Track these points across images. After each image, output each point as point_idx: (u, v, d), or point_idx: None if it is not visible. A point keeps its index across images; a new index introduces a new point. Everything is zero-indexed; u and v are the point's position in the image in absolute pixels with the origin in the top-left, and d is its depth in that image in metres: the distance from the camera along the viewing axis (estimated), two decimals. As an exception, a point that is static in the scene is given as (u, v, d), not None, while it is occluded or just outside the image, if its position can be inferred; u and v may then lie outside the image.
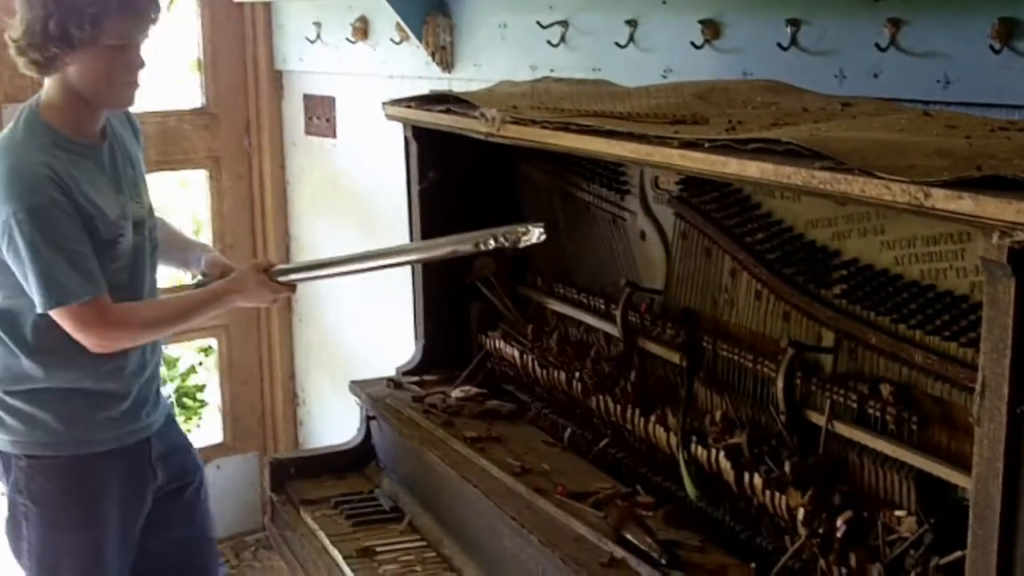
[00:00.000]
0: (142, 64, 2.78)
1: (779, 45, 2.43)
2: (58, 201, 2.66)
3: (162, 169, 5.37)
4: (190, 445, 3.22)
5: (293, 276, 2.92)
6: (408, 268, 3.03)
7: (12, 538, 2.95)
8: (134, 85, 2.79)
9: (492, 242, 2.46)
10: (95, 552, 2.91)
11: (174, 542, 3.09)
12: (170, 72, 5.58)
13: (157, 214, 3.06)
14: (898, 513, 1.73)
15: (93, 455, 2.86)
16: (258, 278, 2.86)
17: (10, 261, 2.69)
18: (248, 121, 4.85)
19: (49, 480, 2.86)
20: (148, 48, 2.80)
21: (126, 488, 2.93)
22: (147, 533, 3.01)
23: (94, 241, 2.72)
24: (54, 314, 2.70)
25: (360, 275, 2.98)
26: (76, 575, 2.92)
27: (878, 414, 1.80)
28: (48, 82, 2.78)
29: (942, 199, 1.35)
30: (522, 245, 2.46)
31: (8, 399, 2.85)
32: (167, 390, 6.19)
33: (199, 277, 3.09)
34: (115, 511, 2.91)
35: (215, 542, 3.25)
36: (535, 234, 2.43)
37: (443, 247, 2.61)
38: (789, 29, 2.42)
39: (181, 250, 3.15)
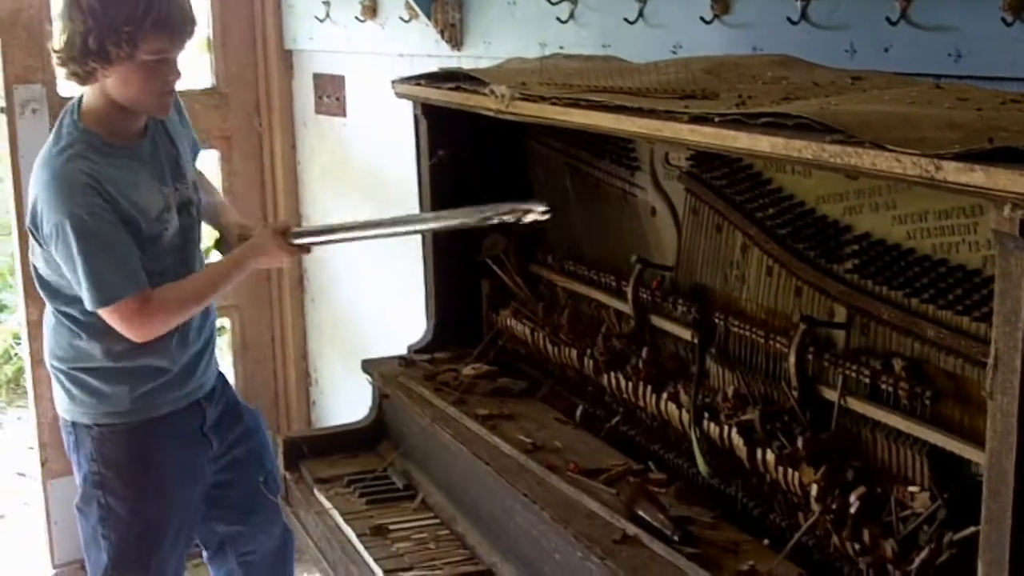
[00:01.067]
0: (178, 76, 2.91)
1: (789, 20, 2.42)
2: (99, 207, 2.80)
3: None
4: (244, 410, 3.40)
5: (308, 239, 3.03)
6: (419, 247, 3.03)
7: (86, 512, 3.14)
8: (170, 95, 2.93)
9: (496, 218, 2.53)
10: (161, 515, 3.13)
11: (236, 497, 3.32)
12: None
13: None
14: (912, 489, 1.72)
15: (153, 420, 3.08)
16: (276, 241, 2.97)
17: (61, 263, 2.86)
18: (258, 101, 4.85)
19: (119, 446, 3.07)
20: (183, 59, 2.92)
21: (184, 454, 3.16)
22: (211, 494, 3.27)
23: (138, 238, 2.88)
24: (101, 312, 2.88)
25: (369, 241, 3.12)
26: (147, 535, 3.13)
27: (891, 389, 1.79)
28: (87, 88, 2.90)
29: (953, 172, 1.34)
30: (525, 222, 2.50)
31: (76, 374, 3.04)
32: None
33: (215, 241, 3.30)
34: (176, 475, 3.14)
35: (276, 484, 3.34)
36: (537, 211, 2.48)
37: (451, 219, 2.69)
38: (799, 3, 2.40)
39: (211, 212, 3.32)
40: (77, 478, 3.15)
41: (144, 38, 2.76)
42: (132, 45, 2.75)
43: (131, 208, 2.86)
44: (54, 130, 2.94)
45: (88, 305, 2.86)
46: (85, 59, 2.78)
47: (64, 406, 3.11)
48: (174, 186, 3.02)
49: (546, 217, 2.48)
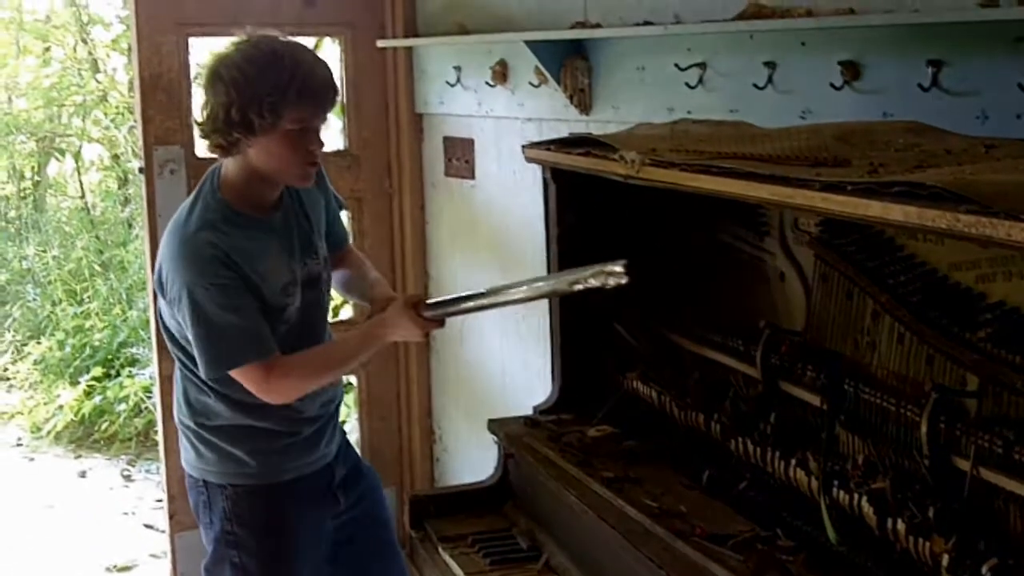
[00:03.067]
0: (321, 145, 2.89)
1: (920, 86, 2.41)
2: (225, 276, 2.81)
3: (305, 210, 5.50)
4: (364, 467, 3.36)
5: (441, 311, 2.98)
6: (545, 307, 3.06)
7: (216, 574, 3.10)
8: (314, 166, 2.90)
9: (583, 284, 2.49)
10: (292, 573, 3.08)
11: (357, 555, 3.25)
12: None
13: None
14: (1046, 561, 1.70)
15: (282, 483, 3.05)
16: (409, 314, 2.93)
17: (184, 327, 2.86)
18: (389, 163, 4.93)
19: (254, 506, 3.04)
20: (327, 129, 2.91)
21: (313, 514, 3.12)
22: (335, 551, 3.20)
23: (263, 308, 2.87)
24: (230, 373, 2.87)
25: (500, 309, 3.00)
26: None
27: (1024, 460, 1.77)
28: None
29: (1091, 243, 1.34)
30: (611, 285, 2.43)
31: (204, 433, 3.04)
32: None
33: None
34: (307, 533, 3.10)
35: (396, 549, 3.35)
36: (617, 272, 2.41)
37: (543, 287, 2.74)
38: (930, 70, 2.39)
39: (362, 287, 3.28)
40: (206, 538, 3.13)
41: (287, 107, 2.76)
42: (276, 115, 2.76)
43: (257, 279, 2.86)
44: (192, 196, 2.96)
45: (203, 373, 2.88)
46: (229, 130, 2.79)
47: (193, 464, 3.11)
48: (303, 261, 3.01)
49: (625, 280, 2.39)
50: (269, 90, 2.74)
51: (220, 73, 2.81)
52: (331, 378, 3.08)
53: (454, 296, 3.03)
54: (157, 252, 2.99)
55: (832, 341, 2.27)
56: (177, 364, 3.06)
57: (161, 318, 3.03)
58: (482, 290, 2.89)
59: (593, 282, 2.47)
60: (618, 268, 2.42)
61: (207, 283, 2.79)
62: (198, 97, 2.97)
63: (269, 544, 3.06)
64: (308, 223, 3.05)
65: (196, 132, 2.91)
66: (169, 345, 3.04)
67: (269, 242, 2.93)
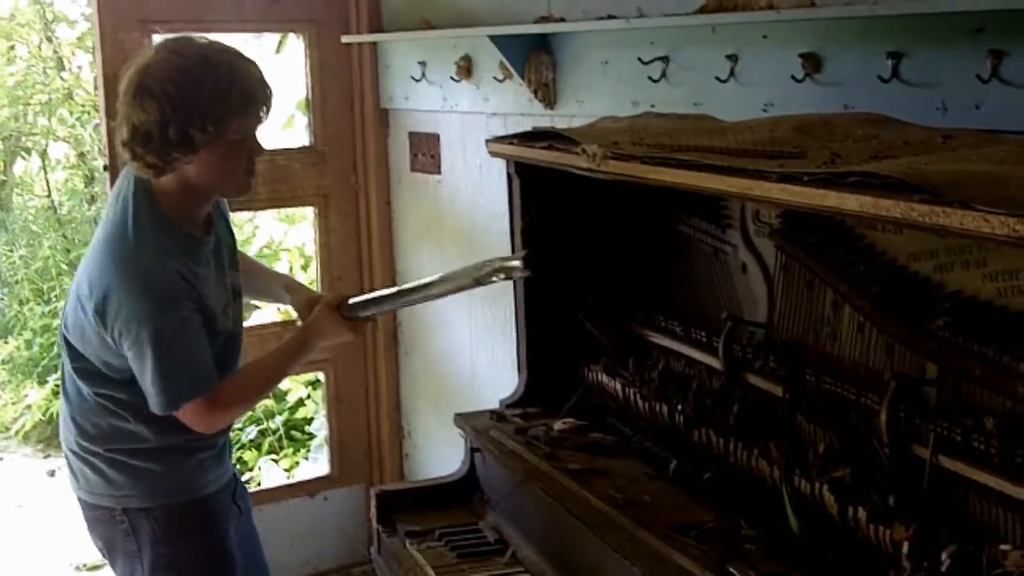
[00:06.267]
0: (261, 151, 2.72)
1: (880, 78, 2.43)
2: (190, 310, 2.64)
3: (272, 207, 5.49)
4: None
5: (367, 311, 2.99)
6: (511, 302, 3.07)
7: None
8: (253, 173, 2.73)
9: (491, 278, 2.71)
10: None
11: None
12: (279, 111, 5.71)
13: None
14: (1004, 547, 1.71)
15: (204, 497, 2.91)
16: (332, 317, 2.91)
17: (128, 356, 2.66)
18: (355, 159, 4.92)
19: (185, 522, 2.89)
20: (263, 133, 2.74)
21: (230, 526, 3.00)
22: None
23: (212, 334, 2.73)
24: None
25: (455, 297, 3.14)
26: None
27: (983, 447, 1.78)
28: None
29: (1042, 231, 1.35)
30: (516, 277, 2.67)
31: (119, 457, 2.82)
32: (276, 422, 6.32)
33: (297, 321, 3.19)
34: (232, 543, 2.99)
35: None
36: (518, 267, 2.63)
37: (449, 283, 2.86)
38: (890, 62, 2.41)
39: (264, 283, 3.20)
40: (140, 569, 2.90)
41: (231, 118, 2.58)
42: (219, 128, 2.56)
43: (211, 304, 2.72)
44: (120, 207, 2.69)
45: (154, 408, 2.68)
46: (166, 150, 2.56)
47: (105, 493, 2.86)
48: (230, 275, 2.87)
49: (527, 273, 2.62)
50: (210, 102, 2.55)
51: (149, 87, 2.56)
52: (266, 395, 3.00)
53: (375, 295, 3.04)
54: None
55: (794, 332, 2.28)
56: (85, 392, 2.82)
57: (82, 334, 2.76)
58: (398, 288, 2.90)
59: (495, 278, 2.68)
60: (517, 263, 2.59)
61: (175, 318, 2.61)
62: (122, 111, 2.62)
63: (204, 557, 2.93)
64: (229, 233, 2.93)
65: (123, 152, 2.64)
66: (75, 364, 2.80)
67: (211, 263, 2.78)
